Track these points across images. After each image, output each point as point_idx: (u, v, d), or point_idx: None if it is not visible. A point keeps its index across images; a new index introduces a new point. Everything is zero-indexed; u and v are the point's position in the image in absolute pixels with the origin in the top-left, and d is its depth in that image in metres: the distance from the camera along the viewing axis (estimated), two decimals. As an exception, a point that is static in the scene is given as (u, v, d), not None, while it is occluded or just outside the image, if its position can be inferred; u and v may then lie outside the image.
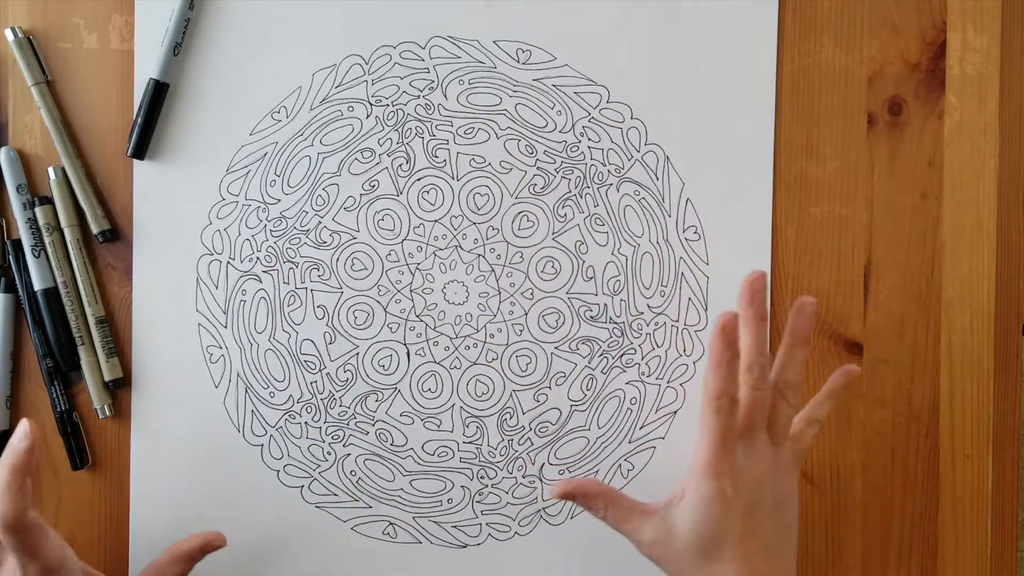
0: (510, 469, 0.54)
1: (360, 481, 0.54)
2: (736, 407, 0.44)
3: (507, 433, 0.54)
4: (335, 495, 0.54)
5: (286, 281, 0.54)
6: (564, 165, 0.54)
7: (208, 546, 0.50)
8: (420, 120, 0.54)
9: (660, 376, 0.54)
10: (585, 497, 0.47)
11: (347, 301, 0.54)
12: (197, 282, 0.54)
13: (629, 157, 0.54)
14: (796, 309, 0.46)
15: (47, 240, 0.53)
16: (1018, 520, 0.54)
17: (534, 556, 0.54)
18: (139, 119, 0.53)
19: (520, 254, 0.54)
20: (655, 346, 0.54)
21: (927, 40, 0.54)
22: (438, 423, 0.54)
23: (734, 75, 0.53)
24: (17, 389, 0.54)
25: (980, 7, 0.53)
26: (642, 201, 0.54)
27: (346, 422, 0.54)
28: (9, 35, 0.53)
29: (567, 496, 0.48)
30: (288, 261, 0.54)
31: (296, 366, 0.54)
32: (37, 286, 0.53)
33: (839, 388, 0.49)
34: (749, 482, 0.44)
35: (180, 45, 0.53)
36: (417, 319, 0.54)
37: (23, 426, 0.43)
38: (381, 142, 0.54)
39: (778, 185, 0.54)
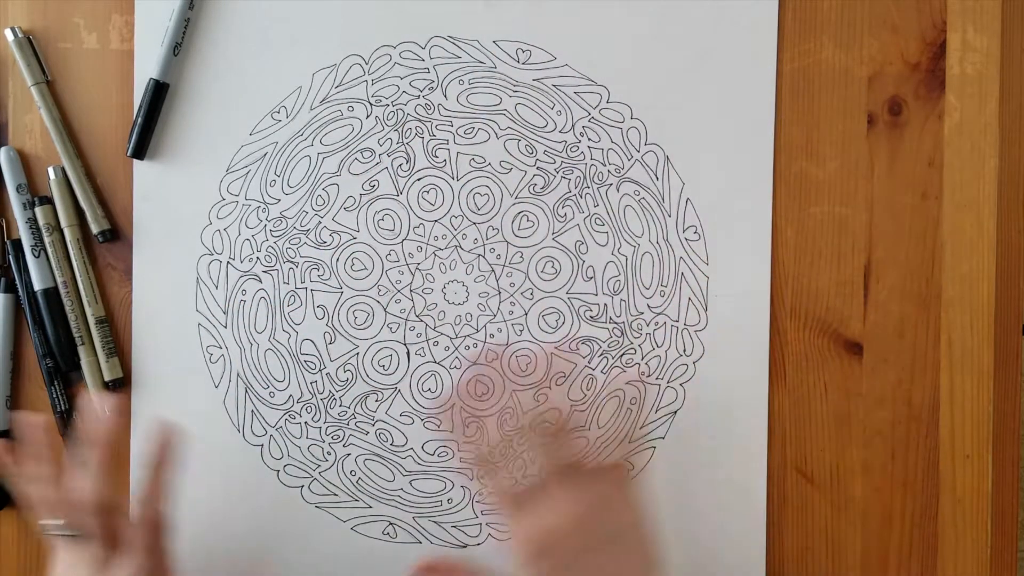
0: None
1: (360, 481, 0.54)
2: (492, 468, 0.44)
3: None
4: (335, 495, 0.54)
5: (286, 281, 0.54)
6: (564, 165, 0.54)
7: (165, 443, 0.47)
8: (420, 120, 0.54)
9: (660, 376, 0.54)
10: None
11: (347, 301, 0.54)
12: (197, 282, 0.54)
13: (629, 157, 0.54)
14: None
15: (47, 240, 0.53)
16: (1018, 520, 0.54)
17: (534, 556, 0.54)
18: (139, 119, 0.53)
19: (520, 254, 0.54)
20: (655, 346, 0.54)
21: (927, 40, 0.54)
22: (438, 423, 0.54)
23: (734, 75, 0.53)
24: (17, 389, 0.54)
25: (980, 7, 0.53)
26: (642, 201, 0.54)
27: (346, 422, 0.54)
28: (9, 35, 0.53)
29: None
30: (288, 261, 0.54)
31: (296, 366, 0.54)
32: (37, 286, 0.53)
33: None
34: (553, 536, 0.42)
35: (180, 45, 0.53)
36: (417, 319, 0.54)
37: (107, 401, 0.45)
38: (381, 142, 0.54)
39: (778, 185, 0.54)
